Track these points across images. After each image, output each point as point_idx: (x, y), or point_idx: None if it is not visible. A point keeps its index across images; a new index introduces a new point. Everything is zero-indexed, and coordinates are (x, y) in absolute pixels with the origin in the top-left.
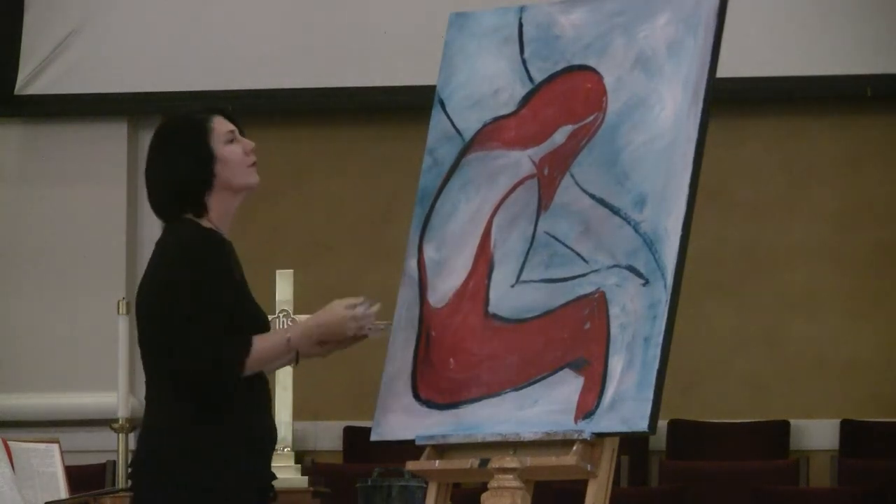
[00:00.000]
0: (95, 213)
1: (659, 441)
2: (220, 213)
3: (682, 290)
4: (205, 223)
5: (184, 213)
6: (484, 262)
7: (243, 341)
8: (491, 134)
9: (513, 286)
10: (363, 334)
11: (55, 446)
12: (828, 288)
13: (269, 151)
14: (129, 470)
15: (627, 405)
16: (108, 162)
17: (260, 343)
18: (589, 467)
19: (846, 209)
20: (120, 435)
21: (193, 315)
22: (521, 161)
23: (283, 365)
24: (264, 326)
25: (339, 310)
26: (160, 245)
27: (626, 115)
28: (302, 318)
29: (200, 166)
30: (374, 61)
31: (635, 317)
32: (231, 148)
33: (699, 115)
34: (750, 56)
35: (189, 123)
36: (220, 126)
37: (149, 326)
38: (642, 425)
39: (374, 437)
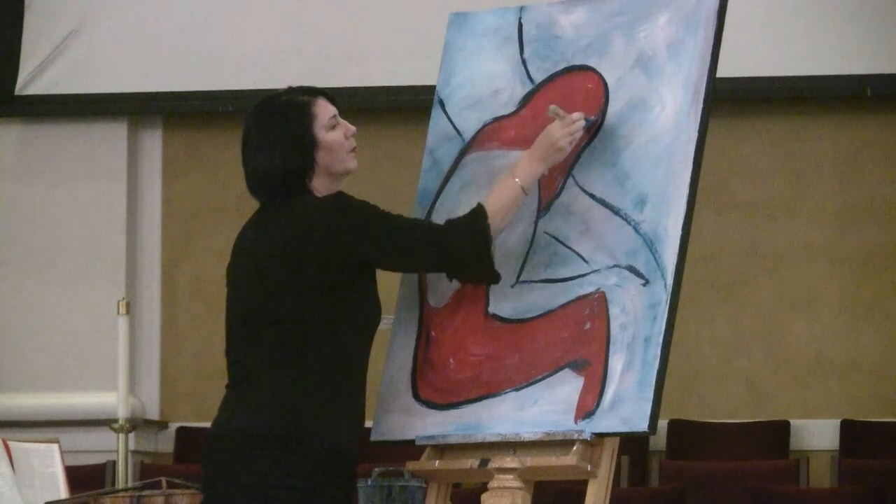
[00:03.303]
0: (95, 213)
1: (659, 441)
2: (323, 193)
3: (682, 290)
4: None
5: (285, 194)
6: None
7: (475, 209)
8: (491, 134)
9: (513, 286)
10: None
11: (55, 446)
12: (828, 288)
13: None
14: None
15: (627, 405)
16: (108, 162)
17: (492, 199)
18: (589, 467)
19: (846, 209)
20: (120, 435)
21: (409, 218)
22: None
23: (519, 206)
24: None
25: (550, 132)
26: (290, 215)
27: (627, 116)
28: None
29: (303, 154)
30: (374, 61)
31: (635, 317)
32: (333, 135)
33: (699, 115)
34: (750, 56)
35: (292, 108)
36: (323, 112)
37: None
38: (642, 425)
39: (374, 437)
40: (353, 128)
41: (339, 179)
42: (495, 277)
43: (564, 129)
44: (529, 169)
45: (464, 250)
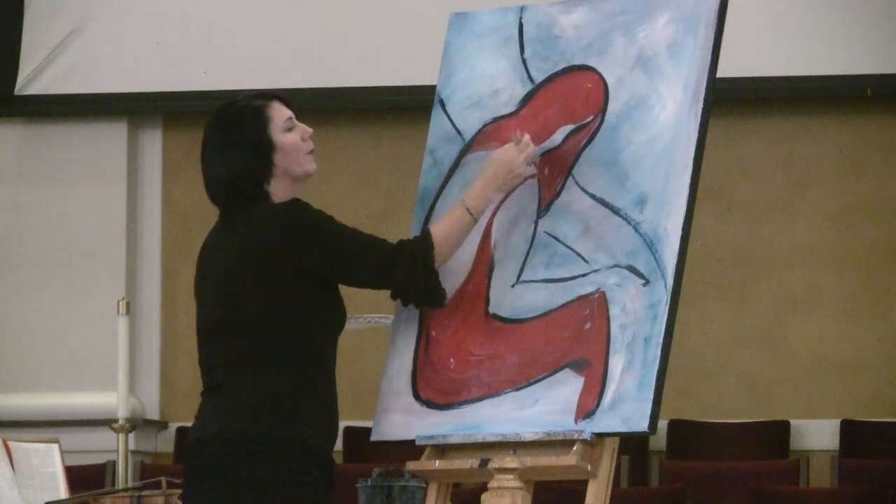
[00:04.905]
0: (95, 213)
1: (659, 441)
2: (282, 198)
3: (682, 290)
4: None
5: (244, 201)
6: (484, 262)
7: (422, 234)
8: (491, 134)
9: (513, 286)
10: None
11: (55, 446)
12: (828, 288)
13: None
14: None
15: (628, 405)
16: (108, 162)
17: (441, 227)
18: (589, 467)
19: (846, 209)
20: (120, 435)
21: (362, 234)
22: None
23: (468, 233)
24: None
25: (508, 157)
26: (249, 223)
27: (627, 115)
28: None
29: (260, 156)
30: (374, 61)
31: (635, 317)
32: (290, 136)
33: (699, 115)
34: (750, 56)
35: (248, 112)
36: (279, 114)
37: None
38: (642, 425)
39: (374, 438)
40: (310, 130)
41: (300, 183)
42: (437, 302)
43: (522, 153)
44: (483, 197)
45: (408, 279)
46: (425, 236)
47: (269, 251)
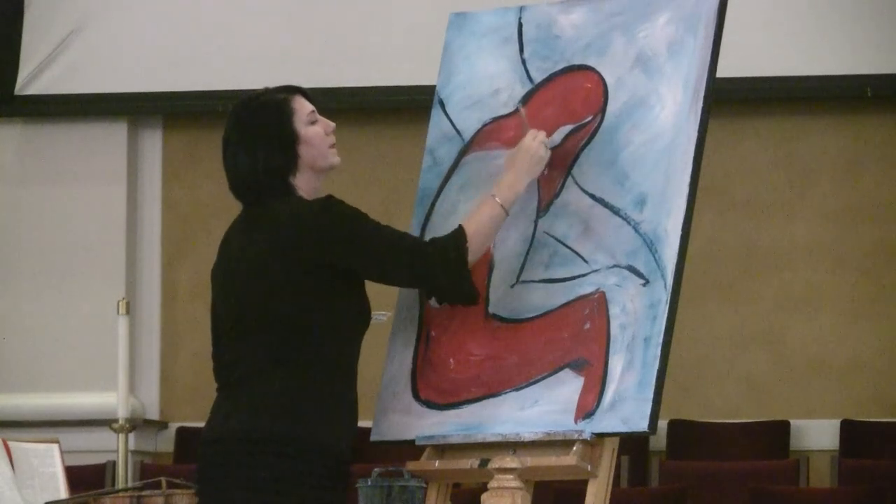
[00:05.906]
0: (95, 213)
1: (659, 441)
2: (307, 191)
3: (682, 290)
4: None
5: (270, 195)
6: (483, 262)
7: (456, 231)
8: (490, 134)
9: (512, 286)
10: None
11: (55, 446)
12: (828, 288)
13: None
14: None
15: (627, 405)
16: (108, 162)
17: (473, 222)
18: (589, 467)
19: (846, 209)
20: (120, 435)
21: (395, 231)
22: None
23: (499, 226)
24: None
25: (526, 145)
26: (279, 217)
27: (626, 115)
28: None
29: (285, 149)
30: (374, 61)
31: (635, 317)
32: (314, 129)
33: (699, 114)
34: (750, 56)
35: (271, 105)
36: (302, 107)
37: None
38: (642, 425)
39: (374, 438)
40: (332, 124)
41: (322, 176)
42: (472, 299)
43: (536, 138)
44: (511, 187)
45: (441, 274)
46: (458, 232)
47: (300, 245)
